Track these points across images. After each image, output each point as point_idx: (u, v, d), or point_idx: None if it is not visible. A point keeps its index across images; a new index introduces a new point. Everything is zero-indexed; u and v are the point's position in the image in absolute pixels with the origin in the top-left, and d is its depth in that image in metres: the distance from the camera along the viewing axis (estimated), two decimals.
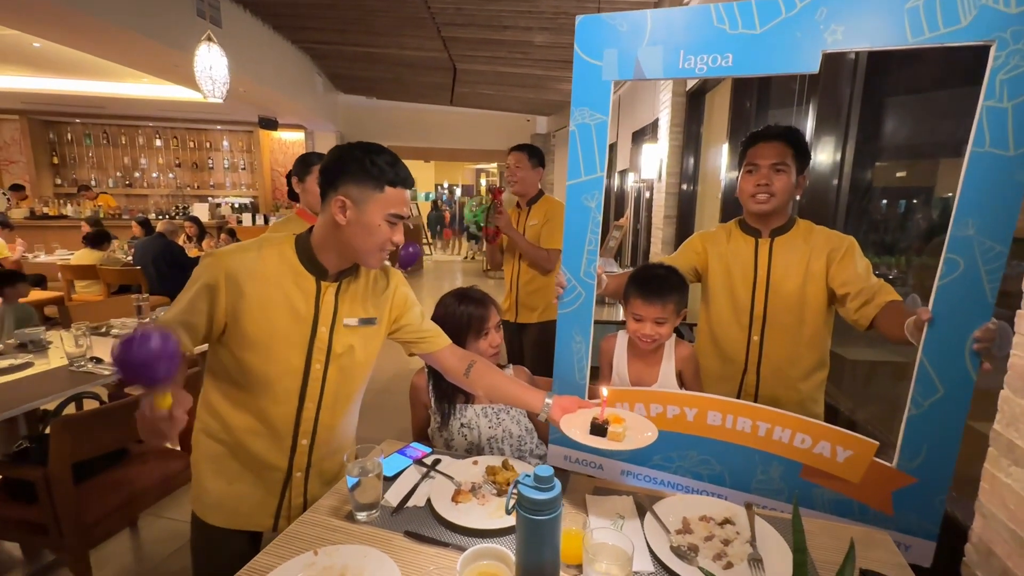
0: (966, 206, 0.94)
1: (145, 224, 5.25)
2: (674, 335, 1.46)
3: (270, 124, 7.73)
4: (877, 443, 1.06)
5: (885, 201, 2.08)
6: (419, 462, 1.22)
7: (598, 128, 1.23)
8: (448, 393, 1.42)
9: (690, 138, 3.89)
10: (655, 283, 1.36)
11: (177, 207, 8.75)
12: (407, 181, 1.04)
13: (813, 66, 1.01)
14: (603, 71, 1.19)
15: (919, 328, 1.01)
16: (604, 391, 1.10)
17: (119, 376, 0.77)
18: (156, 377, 0.77)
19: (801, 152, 1.37)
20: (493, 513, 1.02)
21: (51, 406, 1.98)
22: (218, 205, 8.54)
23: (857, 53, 1.92)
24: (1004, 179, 0.90)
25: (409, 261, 2.61)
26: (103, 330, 2.46)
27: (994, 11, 0.88)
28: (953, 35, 0.92)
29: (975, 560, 0.81)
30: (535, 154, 2.47)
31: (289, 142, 9.03)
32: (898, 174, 2.05)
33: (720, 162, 3.30)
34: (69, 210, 7.22)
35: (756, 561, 0.90)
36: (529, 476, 0.77)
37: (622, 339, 1.49)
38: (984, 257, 0.93)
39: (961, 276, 0.95)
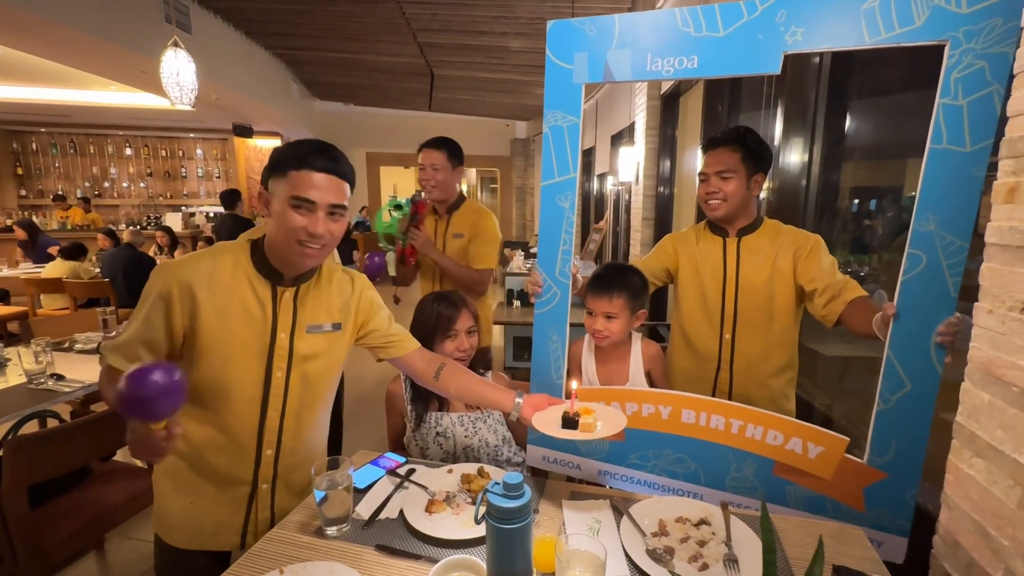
0: (926, 202, 0.95)
1: (111, 235, 5.09)
2: (639, 334, 1.46)
3: (245, 131, 7.61)
4: (848, 439, 1.07)
5: (856, 200, 2.12)
6: (392, 472, 1.19)
7: (570, 130, 1.23)
8: (424, 397, 1.40)
9: (665, 141, 3.94)
10: (604, 278, 1.40)
11: (149, 217, 8.52)
12: (316, 163, 0.94)
13: (775, 67, 1.02)
14: (574, 74, 1.19)
15: (885, 323, 1.02)
16: (574, 384, 1.11)
17: (121, 412, 0.76)
18: (158, 414, 0.76)
19: (753, 154, 1.38)
20: (468, 523, 1.00)
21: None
22: (192, 214, 8.35)
23: (821, 57, 1.96)
24: (962, 175, 0.92)
25: (373, 271, 2.26)
26: (66, 345, 2.36)
27: (946, 11, 0.91)
28: (908, 35, 0.94)
29: (942, 552, 0.81)
30: (455, 151, 2.03)
31: (265, 149, 8.88)
32: (865, 174, 2.10)
33: (695, 164, 3.34)
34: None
35: (731, 561, 0.89)
36: (498, 484, 0.76)
37: (589, 341, 1.49)
38: (946, 252, 0.95)
39: (924, 271, 0.97)
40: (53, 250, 5.46)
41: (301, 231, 0.95)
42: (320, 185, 0.95)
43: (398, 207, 2.00)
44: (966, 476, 0.76)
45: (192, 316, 0.96)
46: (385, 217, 2.03)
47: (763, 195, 2.22)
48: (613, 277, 1.40)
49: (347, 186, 1.00)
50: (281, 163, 0.95)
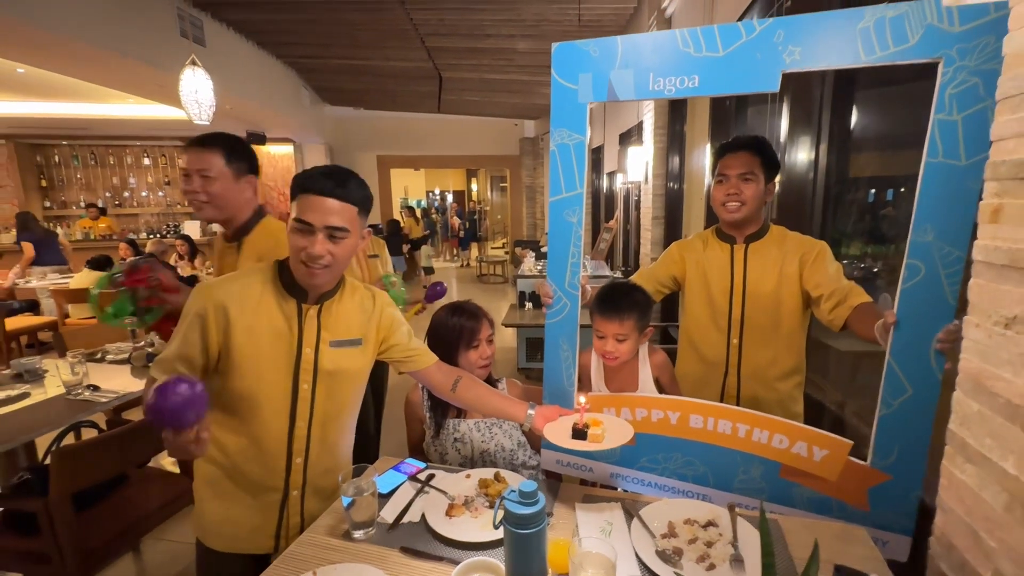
0: (924, 214, 0.99)
1: (132, 244, 5.24)
2: (647, 343, 1.50)
3: (258, 139, 7.75)
4: (851, 443, 1.11)
5: (871, 191, 2.10)
6: (413, 478, 1.25)
7: (576, 148, 1.27)
8: (443, 405, 1.46)
9: (674, 139, 3.94)
10: (613, 300, 1.41)
11: (168, 225, 8.73)
12: (317, 187, 1.00)
13: (774, 85, 1.06)
14: (579, 94, 1.24)
15: (887, 331, 1.06)
16: (581, 399, 1.17)
17: (151, 422, 0.84)
18: (185, 423, 0.83)
19: (769, 161, 1.42)
20: (486, 526, 1.06)
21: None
22: (210, 222, 8.51)
23: None
24: (958, 187, 0.95)
25: (435, 298, 2.52)
26: (98, 356, 2.47)
27: (940, 30, 0.94)
28: (903, 53, 0.97)
29: (938, 552, 0.85)
30: (240, 153, 1.38)
31: (278, 156, 9.03)
32: (875, 165, 2.09)
33: (704, 162, 3.35)
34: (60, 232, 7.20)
35: (737, 561, 0.94)
36: (514, 491, 0.81)
37: (597, 356, 1.53)
38: (944, 262, 0.98)
39: (923, 280, 1.00)
40: (25, 246, 5.60)
41: (302, 252, 1.01)
42: (318, 207, 1.00)
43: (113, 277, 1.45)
44: (959, 481, 0.79)
45: (225, 333, 1.04)
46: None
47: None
48: (621, 298, 1.41)
49: (350, 208, 1.03)
50: (293, 189, 1.03)
